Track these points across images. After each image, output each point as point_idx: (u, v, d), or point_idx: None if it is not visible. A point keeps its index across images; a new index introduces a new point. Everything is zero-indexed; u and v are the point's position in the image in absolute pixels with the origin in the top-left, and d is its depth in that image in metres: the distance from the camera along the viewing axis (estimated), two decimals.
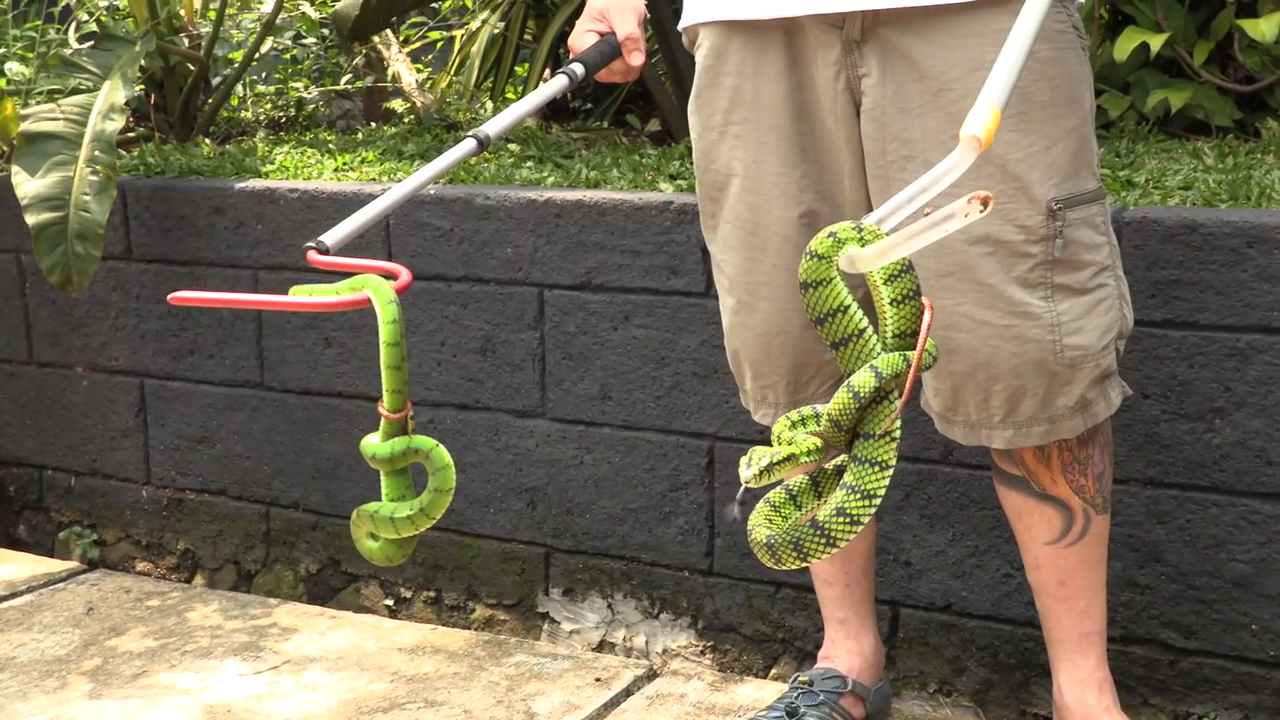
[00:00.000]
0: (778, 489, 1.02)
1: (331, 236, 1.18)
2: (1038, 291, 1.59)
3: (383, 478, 1.18)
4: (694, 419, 2.29)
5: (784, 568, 1.00)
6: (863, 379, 0.98)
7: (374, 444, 1.16)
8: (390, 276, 1.15)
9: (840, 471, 1.03)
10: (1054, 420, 1.63)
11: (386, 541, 1.18)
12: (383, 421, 1.15)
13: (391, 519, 1.15)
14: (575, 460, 2.40)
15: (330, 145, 3.13)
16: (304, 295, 1.15)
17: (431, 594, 2.58)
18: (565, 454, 2.41)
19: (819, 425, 1.03)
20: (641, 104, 3.50)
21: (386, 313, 1.12)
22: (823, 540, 0.98)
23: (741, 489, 0.99)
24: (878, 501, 0.99)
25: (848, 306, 0.99)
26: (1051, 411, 1.63)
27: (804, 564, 0.99)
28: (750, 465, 0.99)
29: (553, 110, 3.52)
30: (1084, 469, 1.69)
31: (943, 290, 1.60)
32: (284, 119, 3.73)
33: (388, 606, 2.60)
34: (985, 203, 0.92)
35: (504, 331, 2.44)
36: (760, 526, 1.01)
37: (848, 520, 0.98)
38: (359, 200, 2.53)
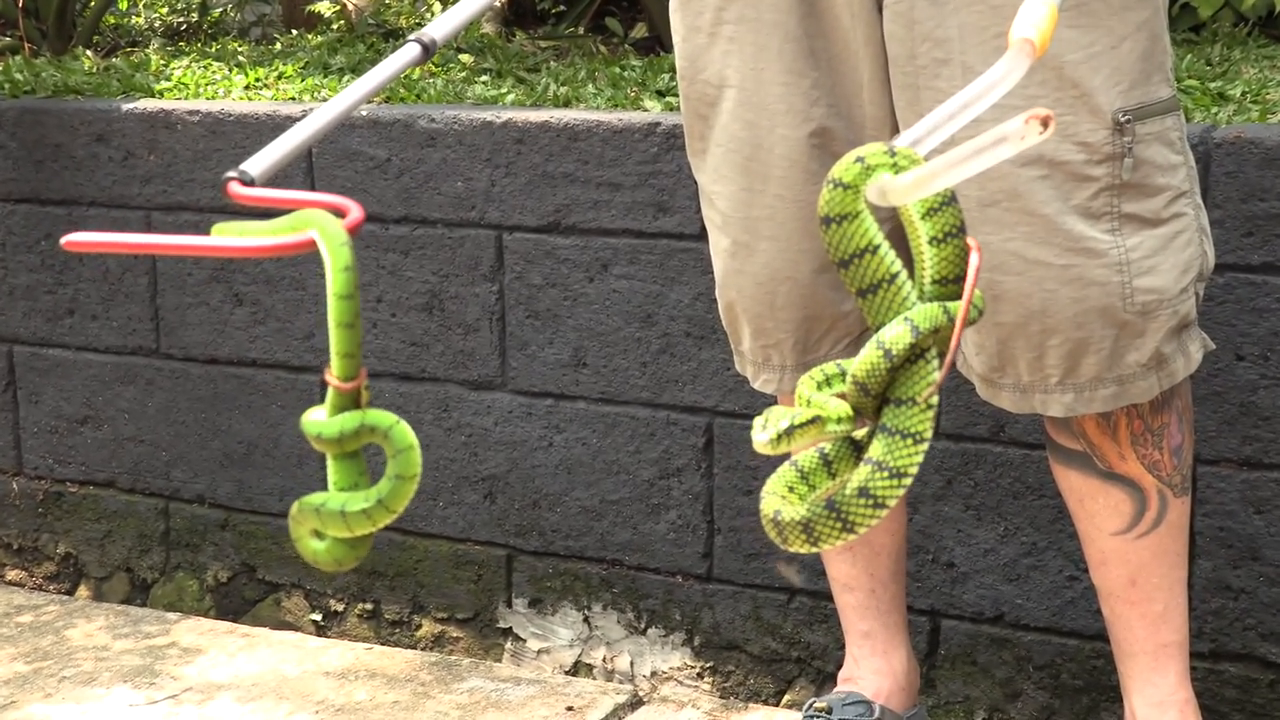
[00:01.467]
0: (809, 453, 1.04)
1: (256, 164, 1.17)
2: (1102, 223, 1.61)
3: (330, 462, 1.17)
4: (688, 390, 2.32)
5: (791, 549, 1.02)
6: (896, 334, 0.99)
7: (319, 421, 1.16)
8: (337, 214, 1.14)
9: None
10: (1123, 381, 1.65)
11: (335, 541, 1.18)
12: (330, 392, 1.14)
13: (342, 513, 1.14)
14: (543, 442, 2.43)
15: (240, 58, 3.14)
16: (232, 237, 1.15)
17: (368, 607, 2.60)
18: (531, 434, 2.43)
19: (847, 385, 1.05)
20: (625, 5, 3.51)
21: (338, 257, 1.12)
22: (838, 524, 0.99)
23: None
24: (908, 481, 1.00)
25: (878, 246, 1.00)
26: (1120, 370, 1.64)
27: (814, 549, 1.00)
28: (766, 427, 1.00)
29: (516, 14, 3.53)
30: (1159, 441, 1.71)
31: (987, 223, 1.62)
32: (184, 26, 3.72)
33: (315, 622, 2.64)
34: (1045, 123, 0.92)
35: (454, 284, 2.45)
36: (774, 495, 1.02)
37: (870, 503, 0.99)
38: (273, 124, 2.54)
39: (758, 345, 1.83)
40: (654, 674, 2.39)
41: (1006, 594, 2.16)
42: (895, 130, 1.69)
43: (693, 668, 2.37)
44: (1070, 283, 1.61)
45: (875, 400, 1.01)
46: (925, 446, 1.00)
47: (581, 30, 3.36)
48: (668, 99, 2.45)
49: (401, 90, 2.64)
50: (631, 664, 2.41)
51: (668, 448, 2.34)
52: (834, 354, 1.81)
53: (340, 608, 2.62)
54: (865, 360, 1.00)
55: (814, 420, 1.00)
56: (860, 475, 1.00)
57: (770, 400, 2.21)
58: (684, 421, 2.33)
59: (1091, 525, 1.77)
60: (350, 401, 1.15)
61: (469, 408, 2.47)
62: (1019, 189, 1.60)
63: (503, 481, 2.47)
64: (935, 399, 1.01)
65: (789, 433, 0.99)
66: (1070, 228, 1.60)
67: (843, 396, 1.04)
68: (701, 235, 2.24)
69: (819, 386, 1.05)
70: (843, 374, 1.05)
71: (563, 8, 3.55)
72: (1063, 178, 1.60)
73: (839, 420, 1.02)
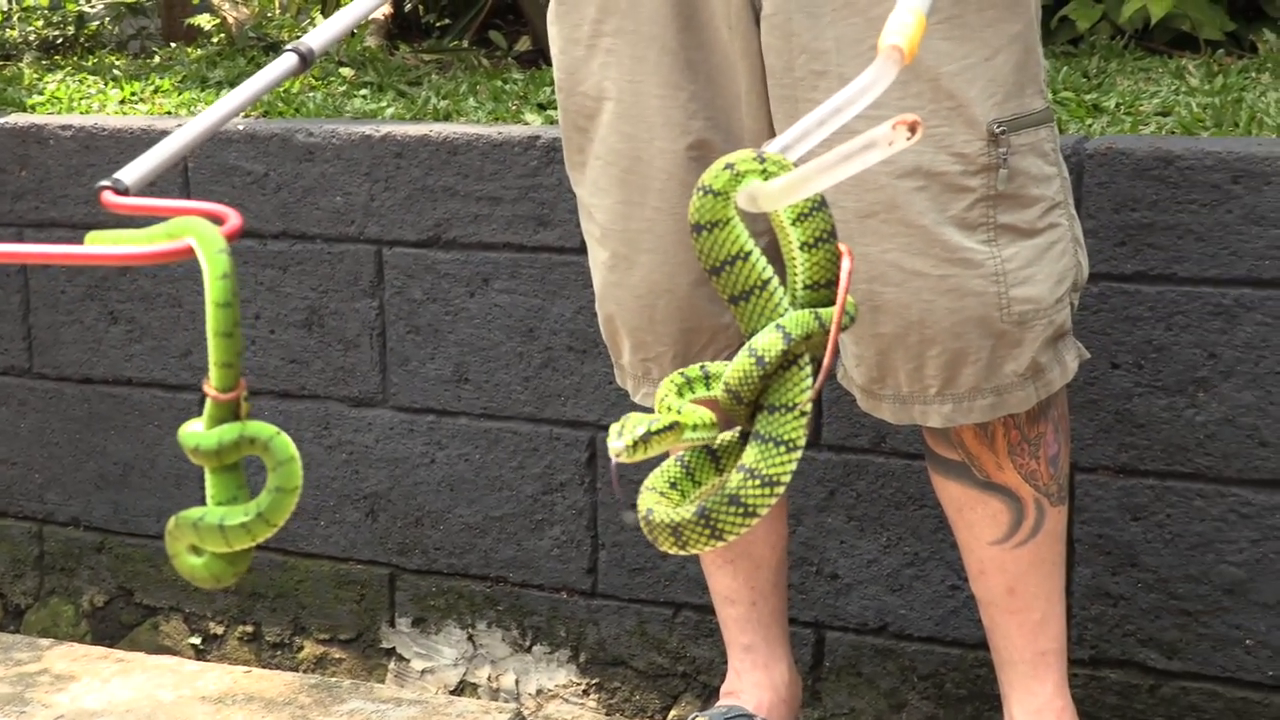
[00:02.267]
0: (699, 452, 1.04)
1: (130, 173, 1.16)
2: (978, 234, 1.62)
3: (208, 476, 1.15)
4: (571, 404, 2.32)
5: (662, 549, 1.01)
6: (768, 341, 1.00)
7: (197, 433, 1.14)
8: (215, 221, 1.12)
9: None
10: (1001, 391, 1.67)
11: (214, 557, 1.16)
12: (208, 403, 1.12)
13: (220, 527, 1.12)
14: (425, 458, 2.42)
15: (117, 71, 3.11)
16: (107, 245, 1.12)
17: (249, 629, 2.57)
18: (412, 451, 2.42)
19: (709, 390, 1.04)
20: (510, 18, 3.50)
21: (216, 265, 1.10)
22: (706, 531, 0.99)
23: (613, 463, 0.99)
24: (780, 490, 0.99)
25: (749, 253, 1.01)
26: (998, 380, 1.66)
27: (683, 552, 1.00)
28: (622, 434, 0.99)
29: (400, 27, 3.51)
30: (1035, 450, 1.73)
31: (865, 234, 1.63)
32: (60, 40, 3.68)
33: (194, 646, 2.60)
34: (913, 128, 0.93)
35: (334, 300, 2.44)
36: (652, 492, 1.02)
37: (741, 511, 0.99)
38: (148, 139, 2.50)
39: (637, 359, 1.82)
40: (539, 692, 2.38)
41: (890, 604, 2.17)
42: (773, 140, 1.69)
43: (578, 684, 2.36)
44: (948, 293, 1.62)
45: (748, 407, 1.01)
46: (798, 455, 1.00)
47: (465, 43, 3.35)
48: (549, 112, 2.46)
49: (280, 104, 2.62)
50: (517, 682, 2.40)
51: (551, 463, 2.34)
52: None
53: (220, 630, 2.58)
54: (738, 367, 1.00)
55: (672, 427, 0.99)
56: (732, 483, 0.99)
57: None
58: (567, 436, 2.32)
59: (970, 535, 1.78)
60: (229, 413, 1.13)
61: (350, 425, 2.45)
62: (897, 200, 1.61)
63: (385, 499, 2.45)
64: (809, 407, 1.00)
65: (645, 439, 0.98)
66: (947, 238, 1.61)
67: (710, 402, 1.03)
68: (582, 249, 2.17)
69: (680, 391, 1.04)
70: (705, 377, 1.04)
71: (448, 21, 3.54)
72: (939, 189, 1.61)
73: (697, 427, 1.01)
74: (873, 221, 1.62)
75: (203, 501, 1.18)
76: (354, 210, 2.40)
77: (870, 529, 2.17)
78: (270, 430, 1.13)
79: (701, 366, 1.04)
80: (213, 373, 1.11)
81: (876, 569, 2.17)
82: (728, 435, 1.04)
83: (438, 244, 2.36)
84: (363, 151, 2.38)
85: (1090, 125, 2.12)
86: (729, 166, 1.00)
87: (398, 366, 2.41)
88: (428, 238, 2.36)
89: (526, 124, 2.39)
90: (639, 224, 1.75)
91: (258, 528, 1.12)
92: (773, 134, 1.69)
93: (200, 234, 1.10)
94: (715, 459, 1.03)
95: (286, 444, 1.13)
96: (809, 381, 1.00)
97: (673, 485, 1.02)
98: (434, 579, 2.44)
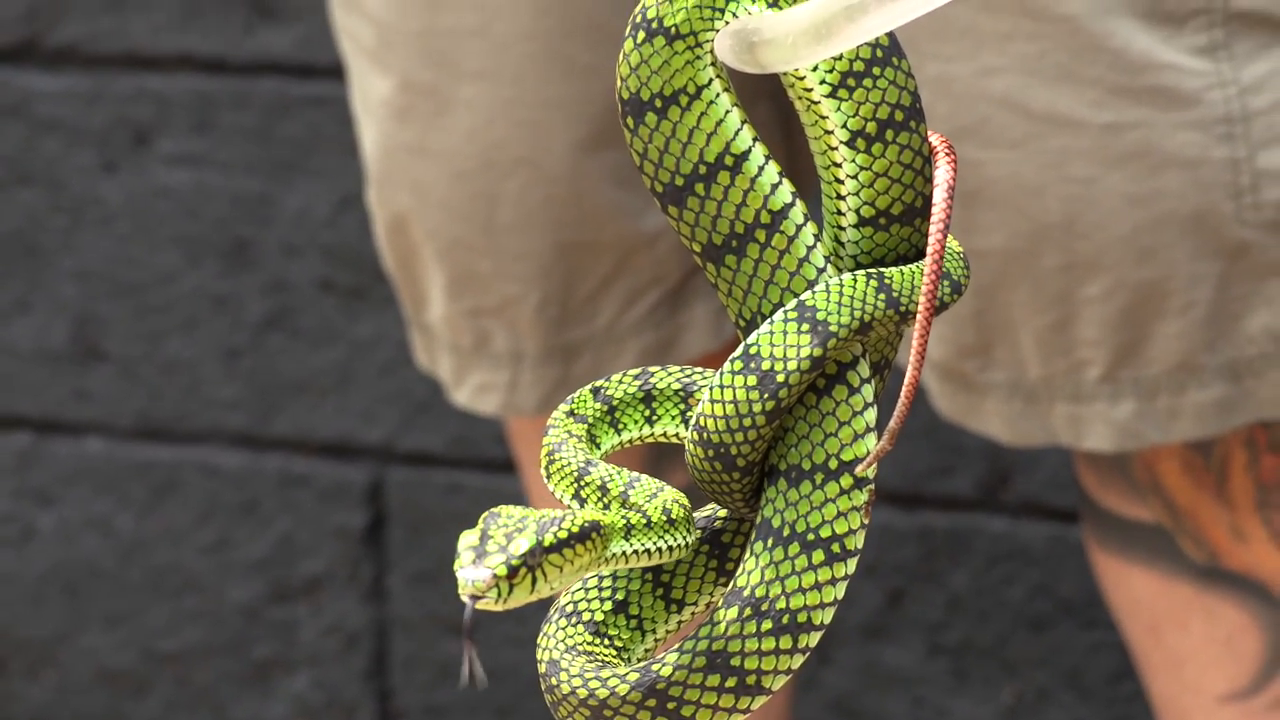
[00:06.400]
0: (638, 576, 1.10)
1: None
2: (1188, 34, 1.66)
3: None
4: (328, 409, 2.45)
5: None
6: (785, 341, 1.04)
7: None
8: None
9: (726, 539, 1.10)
10: (1239, 371, 1.71)
11: None
12: None
13: None
14: (10, 525, 2.56)
15: None
16: None
17: None
18: None
19: (666, 431, 1.11)
20: None
21: None
22: None
23: (468, 611, 1.00)
24: (814, 639, 1.03)
25: (744, 155, 1.05)
26: (1233, 350, 1.70)
27: None
28: (486, 553, 0.99)
29: None
30: None
31: (947, 39, 1.70)
32: None
33: None
34: None
35: None
36: (568, 625, 1.08)
37: (733, 684, 1.03)
38: None
39: (460, 310, 1.88)
40: None
41: None
42: None
43: None
44: (1124, 160, 1.66)
45: (744, 475, 1.05)
46: (850, 566, 1.03)
47: None
48: None
49: None
50: None
51: (288, 534, 2.40)
52: (625, 330, 1.90)
53: None
54: (722, 394, 1.04)
55: (584, 535, 1.02)
56: (720, 627, 1.03)
57: (487, 433, 2.32)
58: (321, 477, 2.44)
59: (1178, 682, 1.84)
60: None
61: None
62: None
63: None
64: (873, 470, 1.03)
65: (533, 564, 1.00)
66: (1121, 44, 1.66)
67: (657, 439, 1.12)
68: (341, 72, 2.14)
69: (590, 435, 1.10)
70: (609, 412, 1.11)
71: None
72: None
73: (648, 526, 1.05)
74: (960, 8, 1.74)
75: None
76: None
77: (978, 672, 2.32)
78: None
79: (595, 390, 1.10)
80: None
81: None
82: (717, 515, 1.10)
83: (34, 54, 2.50)
84: None
85: None
86: None
87: None
88: (16, 42, 2.47)
89: None
90: (459, 16, 1.81)
91: None
92: None
93: None
94: (665, 586, 1.10)
95: None
96: (870, 418, 1.04)
97: (620, 608, 1.08)
98: None
